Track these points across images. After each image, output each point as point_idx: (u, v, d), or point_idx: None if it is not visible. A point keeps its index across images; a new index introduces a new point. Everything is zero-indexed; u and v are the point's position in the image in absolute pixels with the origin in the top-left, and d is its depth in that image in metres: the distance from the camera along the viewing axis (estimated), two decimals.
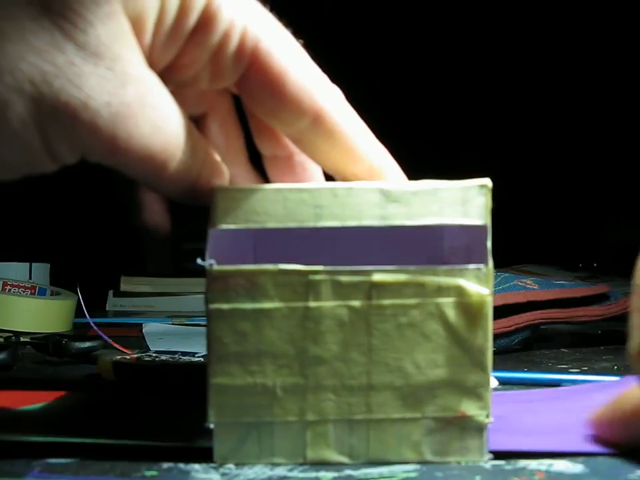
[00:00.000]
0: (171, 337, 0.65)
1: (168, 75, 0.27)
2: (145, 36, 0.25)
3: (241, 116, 0.32)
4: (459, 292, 0.26)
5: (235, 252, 0.27)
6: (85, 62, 0.23)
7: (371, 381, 0.27)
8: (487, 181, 0.27)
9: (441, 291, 0.26)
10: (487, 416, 0.27)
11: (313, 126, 0.28)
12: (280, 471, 0.26)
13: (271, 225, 0.27)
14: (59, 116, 0.23)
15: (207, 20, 0.26)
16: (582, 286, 0.65)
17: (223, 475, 0.26)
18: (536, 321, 0.59)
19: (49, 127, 0.23)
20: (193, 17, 0.25)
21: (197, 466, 0.26)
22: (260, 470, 0.26)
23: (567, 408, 0.34)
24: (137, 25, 0.24)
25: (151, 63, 0.25)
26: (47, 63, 0.23)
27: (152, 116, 0.24)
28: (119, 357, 0.43)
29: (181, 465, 0.26)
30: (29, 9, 0.23)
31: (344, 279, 0.26)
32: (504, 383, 0.42)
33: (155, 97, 0.25)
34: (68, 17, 0.23)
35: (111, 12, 0.23)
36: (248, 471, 0.26)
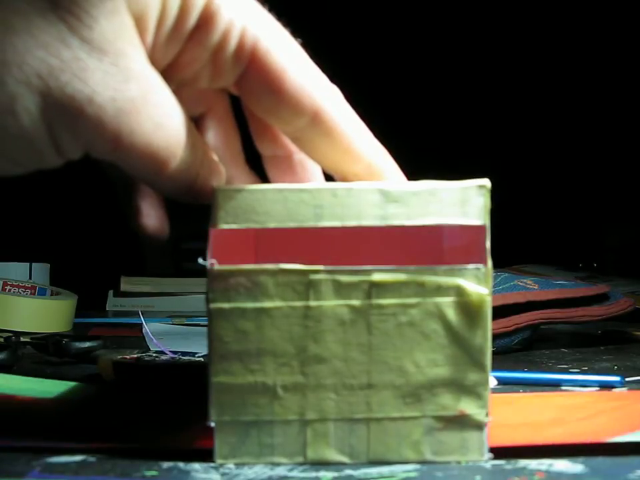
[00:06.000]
0: (171, 337, 0.65)
1: (169, 73, 0.27)
2: (147, 34, 0.25)
3: (240, 119, 0.32)
4: (459, 292, 0.26)
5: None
6: (89, 57, 0.23)
7: (371, 380, 0.27)
8: (486, 182, 0.27)
9: (441, 290, 0.26)
10: (486, 415, 0.27)
11: (312, 124, 0.28)
12: (280, 471, 0.26)
13: (272, 224, 0.27)
14: (65, 110, 0.23)
15: (207, 19, 0.26)
16: (582, 286, 0.65)
17: (223, 474, 0.26)
18: (536, 321, 0.59)
19: (55, 120, 0.24)
20: (193, 17, 0.26)
21: (197, 465, 0.26)
22: (260, 470, 0.26)
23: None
24: (139, 23, 0.25)
25: (153, 61, 0.26)
26: (54, 57, 0.23)
27: (154, 113, 0.25)
28: (119, 357, 0.43)
29: (181, 465, 0.26)
30: (37, 4, 0.23)
31: (344, 278, 0.26)
32: (504, 382, 0.42)
33: (157, 95, 0.25)
34: (74, 12, 0.23)
35: (114, 9, 0.24)
36: (248, 471, 0.26)
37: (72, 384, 0.40)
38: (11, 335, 0.58)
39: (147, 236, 0.31)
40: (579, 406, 0.35)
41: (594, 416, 0.32)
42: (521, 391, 0.41)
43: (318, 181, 0.32)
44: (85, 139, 0.24)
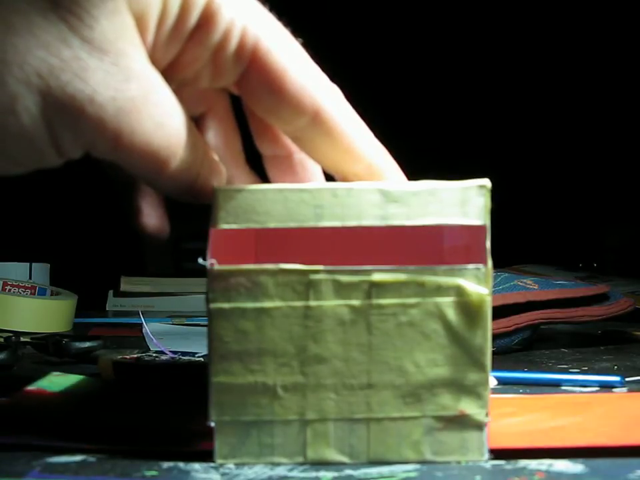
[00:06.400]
0: (171, 337, 0.65)
1: (169, 73, 0.27)
2: (147, 34, 0.25)
3: (240, 119, 0.32)
4: (459, 291, 0.26)
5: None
6: (90, 57, 0.23)
7: (371, 380, 0.27)
8: (486, 182, 0.27)
9: (441, 290, 0.26)
10: (486, 415, 0.27)
11: (312, 124, 0.28)
12: (280, 471, 0.26)
13: (272, 224, 0.27)
14: (66, 109, 0.23)
15: (207, 19, 0.26)
16: (582, 286, 0.65)
17: (223, 474, 0.26)
18: (536, 321, 0.59)
19: (56, 119, 0.24)
20: (194, 16, 0.26)
21: (196, 465, 0.26)
22: (260, 470, 0.26)
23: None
24: (140, 22, 0.25)
25: (154, 61, 0.26)
26: (54, 57, 0.23)
27: (155, 112, 0.25)
28: (119, 357, 0.43)
29: (181, 465, 0.26)
30: (37, 4, 0.23)
31: (344, 278, 0.26)
32: (504, 382, 0.42)
33: (158, 94, 0.25)
34: (75, 12, 0.23)
35: (115, 9, 0.24)
36: (248, 471, 0.26)
37: (74, 380, 0.40)
38: (11, 334, 0.58)
39: (147, 235, 0.31)
40: None
41: None
42: (521, 391, 0.41)
43: (318, 181, 0.32)
44: (85, 139, 0.24)
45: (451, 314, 0.26)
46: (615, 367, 0.50)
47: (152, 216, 0.31)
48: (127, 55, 0.24)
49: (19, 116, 0.23)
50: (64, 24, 0.23)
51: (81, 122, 0.24)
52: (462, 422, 0.27)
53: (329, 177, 0.31)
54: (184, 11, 0.25)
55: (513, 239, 0.99)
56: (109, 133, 0.24)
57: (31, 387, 0.37)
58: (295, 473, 0.26)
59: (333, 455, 0.27)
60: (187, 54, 0.27)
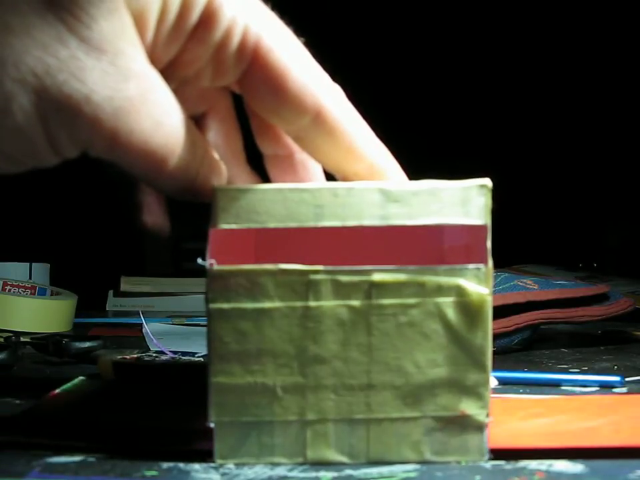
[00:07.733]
0: (171, 337, 0.65)
1: (170, 72, 0.27)
2: (147, 32, 0.25)
3: (241, 119, 0.32)
4: (459, 291, 0.26)
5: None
6: (87, 56, 0.23)
7: (371, 381, 0.27)
8: (487, 181, 0.27)
9: (441, 290, 0.26)
10: (487, 415, 0.27)
11: (314, 124, 0.28)
12: (280, 471, 0.26)
13: (272, 224, 0.27)
14: (62, 109, 0.23)
15: (208, 17, 0.26)
16: (582, 286, 0.65)
17: (223, 474, 0.26)
18: (536, 321, 0.59)
19: (52, 119, 0.24)
20: (194, 14, 0.26)
21: (196, 466, 0.26)
22: (260, 470, 0.26)
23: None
24: (139, 21, 0.25)
25: (153, 59, 0.26)
26: (51, 56, 0.23)
27: (153, 112, 0.25)
28: (119, 357, 0.43)
29: (181, 465, 0.26)
30: (35, 4, 0.23)
31: (344, 278, 0.26)
32: (504, 382, 0.42)
33: (156, 93, 0.25)
34: (72, 12, 0.23)
35: (113, 8, 0.24)
36: (248, 471, 0.26)
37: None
38: (11, 335, 0.58)
39: (148, 232, 0.31)
40: None
41: None
42: (521, 391, 0.41)
43: (319, 181, 0.32)
44: (81, 138, 0.24)
45: (451, 314, 0.26)
46: (615, 367, 0.50)
47: (152, 214, 0.31)
48: (125, 54, 0.24)
49: (14, 115, 0.23)
50: (61, 23, 0.23)
51: (78, 121, 0.24)
52: (462, 422, 0.27)
53: (330, 177, 0.31)
54: (185, 8, 0.25)
55: (513, 239, 0.99)
56: (106, 132, 0.24)
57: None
58: (294, 473, 0.26)
59: (333, 455, 0.27)
60: (187, 52, 0.27)
